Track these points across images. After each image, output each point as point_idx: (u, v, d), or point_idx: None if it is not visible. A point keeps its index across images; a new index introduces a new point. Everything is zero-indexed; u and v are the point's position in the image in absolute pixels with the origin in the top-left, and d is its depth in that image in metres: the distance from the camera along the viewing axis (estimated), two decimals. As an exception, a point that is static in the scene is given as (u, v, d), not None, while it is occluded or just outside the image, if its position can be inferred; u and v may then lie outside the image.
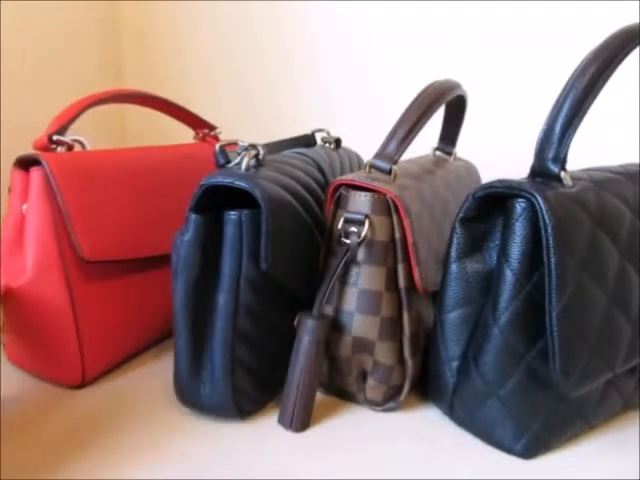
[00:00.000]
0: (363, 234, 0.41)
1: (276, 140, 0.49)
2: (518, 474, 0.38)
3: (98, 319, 0.47)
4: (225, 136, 0.61)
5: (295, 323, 0.42)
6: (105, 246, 0.47)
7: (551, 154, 0.38)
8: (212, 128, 0.63)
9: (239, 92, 0.83)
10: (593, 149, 0.55)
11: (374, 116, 0.74)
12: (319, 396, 0.45)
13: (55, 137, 0.48)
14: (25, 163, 0.45)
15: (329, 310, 0.43)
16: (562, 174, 0.38)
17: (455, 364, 0.42)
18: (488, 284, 0.40)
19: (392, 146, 0.43)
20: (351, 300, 0.43)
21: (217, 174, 0.40)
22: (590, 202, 0.37)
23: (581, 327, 0.36)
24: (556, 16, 0.66)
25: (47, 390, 0.47)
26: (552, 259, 0.35)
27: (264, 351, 0.43)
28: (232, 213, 0.39)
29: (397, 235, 0.42)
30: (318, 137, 0.56)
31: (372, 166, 0.43)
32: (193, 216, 0.39)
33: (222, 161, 0.42)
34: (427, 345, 0.45)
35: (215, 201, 0.40)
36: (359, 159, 0.59)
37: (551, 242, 0.35)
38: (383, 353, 0.43)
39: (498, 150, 0.69)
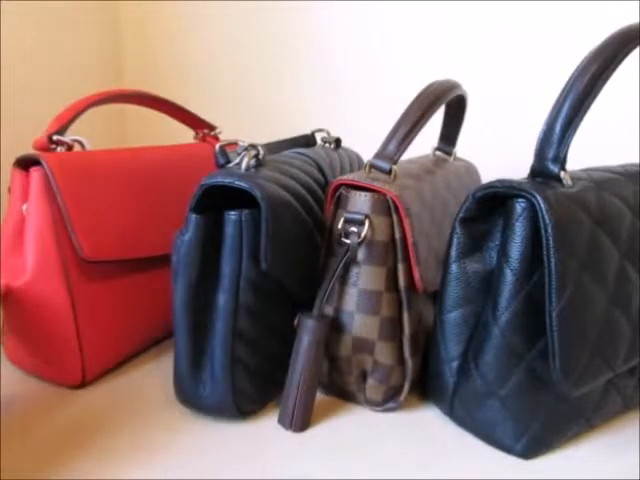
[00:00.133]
0: (363, 234, 0.41)
1: (276, 140, 0.49)
2: (518, 474, 0.38)
3: (98, 319, 0.47)
4: (225, 136, 0.61)
5: (295, 323, 0.42)
6: (105, 246, 0.47)
7: (551, 154, 0.38)
8: (212, 128, 0.63)
9: (239, 92, 0.83)
10: (593, 149, 0.55)
11: (374, 116, 0.74)
12: (319, 396, 0.45)
13: (55, 137, 0.48)
14: (25, 163, 0.45)
15: (329, 310, 0.43)
16: (562, 174, 0.38)
17: (455, 364, 0.42)
18: (488, 284, 0.40)
19: (392, 146, 0.43)
20: (351, 300, 0.43)
21: (217, 174, 0.40)
22: (590, 202, 0.37)
23: (581, 327, 0.36)
24: (556, 16, 0.66)
25: (47, 390, 0.47)
26: (552, 259, 0.35)
27: (264, 351, 0.43)
28: (232, 213, 0.39)
29: (397, 235, 0.42)
30: (318, 137, 0.56)
31: (372, 166, 0.43)
32: (193, 216, 0.39)
33: (222, 161, 0.42)
34: (427, 345, 0.45)
35: (215, 201, 0.40)
36: (359, 159, 0.59)
37: (551, 242, 0.35)
38: (383, 353, 0.43)
39: (498, 150, 0.69)
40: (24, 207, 0.45)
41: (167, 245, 0.42)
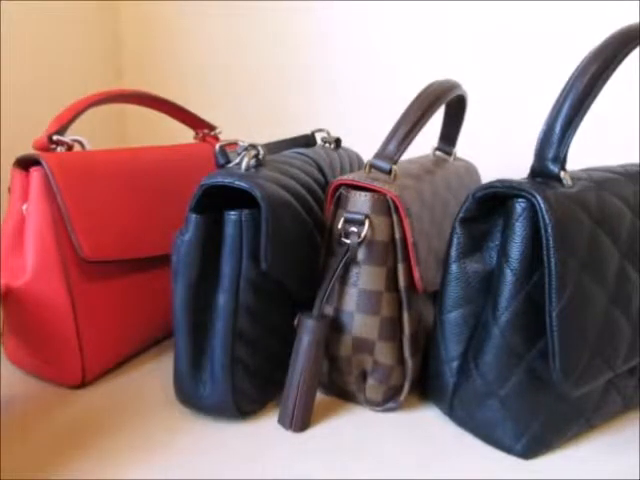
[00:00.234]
0: (363, 234, 0.41)
1: (276, 140, 0.49)
2: (518, 474, 0.38)
3: (98, 319, 0.47)
4: (225, 136, 0.61)
5: (295, 323, 0.42)
6: (105, 246, 0.47)
7: (551, 154, 0.38)
8: (212, 128, 0.63)
9: (239, 92, 0.83)
10: (593, 149, 0.55)
11: (374, 116, 0.74)
12: (319, 396, 0.45)
13: (55, 137, 0.48)
14: (25, 163, 0.45)
15: (329, 310, 0.43)
16: (562, 174, 0.38)
17: (455, 364, 0.42)
18: (488, 284, 0.40)
19: (392, 146, 0.43)
20: (351, 300, 0.43)
21: (217, 174, 0.40)
22: (590, 202, 0.37)
23: (581, 327, 0.36)
24: (556, 16, 0.66)
25: (47, 390, 0.47)
26: (552, 259, 0.35)
27: (264, 351, 0.43)
28: (232, 213, 0.39)
29: (397, 235, 0.42)
30: (318, 137, 0.56)
31: (372, 166, 0.43)
32: (193, 216, 0.39)
33: (222, 161, 0.42)
34: (427, 345, 0.45)
35: (215, 201, 0.40)
36: (359, 159, 0.59)
37: (551, 242, 0.35)
38: (383, 353, 0.43)
39: (498, 150, 0.69)
40: (24, 207, 0.45)
41: (167, 245, 0.42)
